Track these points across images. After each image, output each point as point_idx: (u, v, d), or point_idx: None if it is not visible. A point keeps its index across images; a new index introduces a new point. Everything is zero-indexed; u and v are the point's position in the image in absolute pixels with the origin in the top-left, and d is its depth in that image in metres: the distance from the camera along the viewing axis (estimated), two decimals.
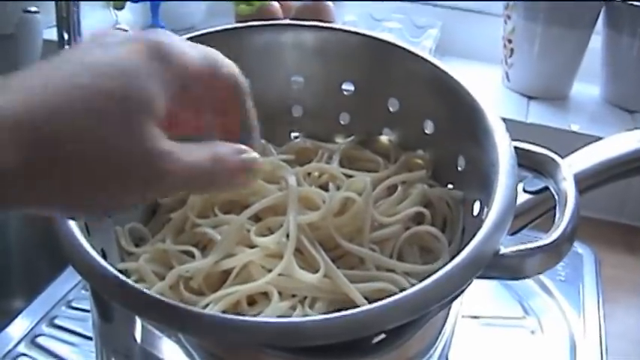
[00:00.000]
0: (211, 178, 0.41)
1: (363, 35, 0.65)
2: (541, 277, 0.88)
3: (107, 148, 0.37)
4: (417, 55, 0.62)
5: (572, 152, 0.61)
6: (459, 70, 0.61)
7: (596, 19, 1.13)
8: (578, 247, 0.94)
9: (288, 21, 0.66)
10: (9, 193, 0.35)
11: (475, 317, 0.81)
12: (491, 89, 1.20)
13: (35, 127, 0.35)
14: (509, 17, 1.15)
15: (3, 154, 0.34)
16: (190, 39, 0.63)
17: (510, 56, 1.17)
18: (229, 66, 0.45)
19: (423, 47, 1.16)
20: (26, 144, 0.35)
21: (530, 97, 1.17)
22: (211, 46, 0.63)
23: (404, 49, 0.63)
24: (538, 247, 0.47)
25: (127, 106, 0.37)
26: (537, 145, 0.56)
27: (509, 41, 1.16)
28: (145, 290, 0.44)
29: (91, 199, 0.38)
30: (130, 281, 0.45)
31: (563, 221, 0.48)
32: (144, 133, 0.37)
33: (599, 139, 0.65)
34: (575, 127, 1.08)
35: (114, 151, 0.37)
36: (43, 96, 0.36)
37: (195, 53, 0.43)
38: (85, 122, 0.36)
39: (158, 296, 0.43)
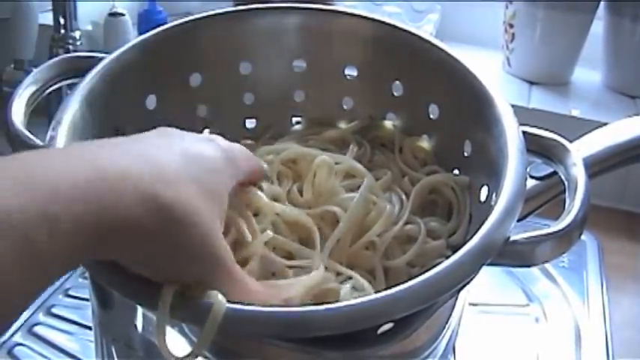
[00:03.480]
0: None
1: (368, 18, 0.64)
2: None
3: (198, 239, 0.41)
4: (422, 39, 0.62)
5: (575, 138, 0.61)
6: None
7: (598, 4, 1.13)
8: None
9: (291, 4, 0.65)
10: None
11: (478, 305, 0.81)
12: (492, 74, 1.19)
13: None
14: (510, 2, 1.15)
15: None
16: (193, 21, 0.63)
17: (511, 41, 1.16)
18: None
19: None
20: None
21: (531, 83, 1.16)
22: (212, 30, 0.63)
23: (409, 32, 0.63)
24: (549, 233, 0.46)
25: (217, 202, 0.43)
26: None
27: (511, 26, 1.15)
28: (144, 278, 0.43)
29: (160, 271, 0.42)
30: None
31: (574, 207, 0.48)
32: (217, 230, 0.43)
33: (601, 124, 0.65)
34: (575, 113, 1.07)
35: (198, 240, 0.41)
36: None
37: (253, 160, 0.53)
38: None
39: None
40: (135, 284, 0.42)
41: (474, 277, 0.45)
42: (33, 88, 0.58)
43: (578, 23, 1.13)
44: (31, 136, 0.54)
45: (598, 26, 1.15)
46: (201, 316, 0.41)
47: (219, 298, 0.41)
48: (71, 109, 0.54)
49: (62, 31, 0.99)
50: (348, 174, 0.60)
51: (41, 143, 0.53)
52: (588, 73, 1.20)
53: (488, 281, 0.84)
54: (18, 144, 0.54)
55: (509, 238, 0.46)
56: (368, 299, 0.42)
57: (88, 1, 1.09)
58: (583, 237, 0.93)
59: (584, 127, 0.66)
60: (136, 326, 0.48)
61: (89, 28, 1.14)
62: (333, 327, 0.41)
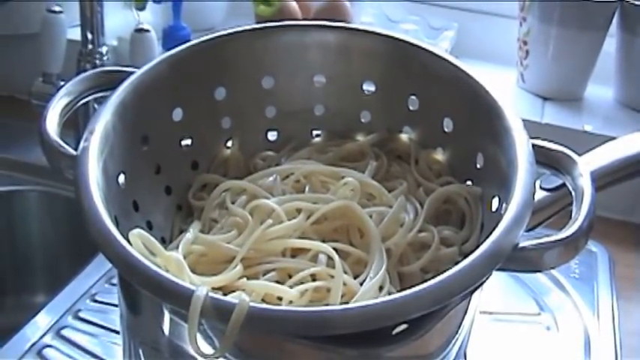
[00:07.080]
0: None
1: (385, 36, 0.66)
2: (556, 274, 0.89)
3: None
4: (437, 55, 0.64)
5: (587, 152, 0.62)
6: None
7: (611, 22, 1.14)
8: (592, 246, 0.95)
9: (311, 21, 0.67)
10: None
11: (491, 313, 0.82)
12: (506, 90, 1.21)
13: None
14: (524, 19, 1.16)
15: None
16: (218, 37, 0.65)
17: (525, 58, 1.18)
18: None
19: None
20: None
21: (545, 98, 1.18)
22: (236, 46, 0.65)
23: (424, 49, 0.64)
24: (556, 240, 0.48)
25: None
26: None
27: (525, 43, 1.17)
28: (174, 279, 0.45)
29: None
30: (160, 270, 0.46)
31: (580, 216, 0.49)
32: None
33: (613, 139, 0.66)
34: (588, 128, 1.09)
35: None
36: None
37: None
38: None
39: (189, 286, 0.45)
40: (167, 285, 0.45)
41: (485, 280, 0.47)
42: (66, 100, 0.60)
43: (590, 41, 1.14)
44: (65, 146, 0.56)
45: (610, 44, 1.17)
46: (225, 314, 0.43)
47: (242, 297, 0.44)
48: (103, 119, 0.57)
49: (90, 46, 1.02)
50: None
51: (74, 152, 0.55)
52: (601, 90, 1.21)
53: (501, 290, 0.86)
54: (52, 153, 0.56)
55: (518, 244, 0.48)
56: (384, 300, 0.44)
57: (114, 17, 1.11)
58: (594, 249, 0.95)
59: (596, 142, 0.67)
60: (163, 330, 0.50)
61: (115, 43, 1.16)
62: (351, 326, 0.43)
